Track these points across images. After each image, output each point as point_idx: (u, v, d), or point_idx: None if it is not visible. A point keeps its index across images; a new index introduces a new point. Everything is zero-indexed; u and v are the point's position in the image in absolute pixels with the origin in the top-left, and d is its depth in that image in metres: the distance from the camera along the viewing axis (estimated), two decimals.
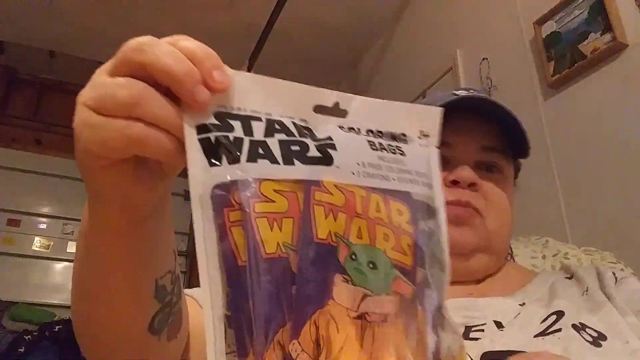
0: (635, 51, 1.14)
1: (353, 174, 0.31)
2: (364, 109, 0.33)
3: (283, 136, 0.30)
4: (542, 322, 0.48)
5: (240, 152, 0.28)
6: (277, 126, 0.30)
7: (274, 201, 0.28)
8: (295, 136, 0.30)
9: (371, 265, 0.29)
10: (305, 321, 0.27)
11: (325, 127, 0.32)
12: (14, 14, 2.37)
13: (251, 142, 0.28)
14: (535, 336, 0.46)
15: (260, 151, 0.28)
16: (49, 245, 2.78)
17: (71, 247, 2.80)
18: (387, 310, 0.29)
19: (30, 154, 2.84)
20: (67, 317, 2.40)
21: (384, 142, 0.33)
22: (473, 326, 0.49)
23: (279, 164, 0.29)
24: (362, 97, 0.33)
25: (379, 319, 0.28)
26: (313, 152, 0.30)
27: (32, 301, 2.55)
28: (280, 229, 0.27)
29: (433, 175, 0.35)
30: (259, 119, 0.29)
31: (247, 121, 0.29)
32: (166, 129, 0.28)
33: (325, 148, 0.30)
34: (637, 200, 1.08)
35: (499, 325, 0.49)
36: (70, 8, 2.30)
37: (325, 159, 0.30)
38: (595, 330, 0.46)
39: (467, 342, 0.46)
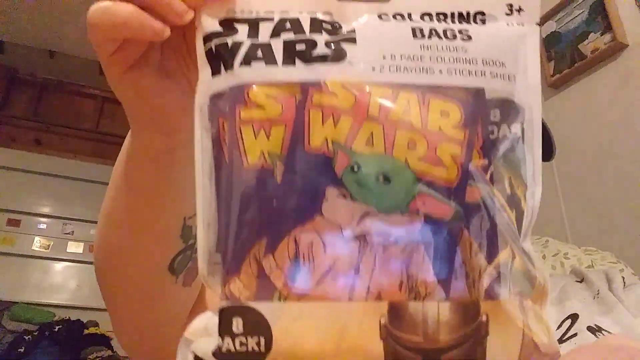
0: (635, 51, 1.14)
1: (373, 69, 0.26)
2: None
3: (290, 35, 0.26)
4: (557, 329, 0.48)
5: (235, 56, 0.26)
6: (288, 25, 0.27)
7: (263, 107, 0.25)
8: (304, 34, 0.26)
9: (381, 179, 0.25)
10: (283, 236, 0.24)
11: (359, 17, 0.27)
12: (14, 14, 2.38)
13: (252, 45, 0.26)
14: None
15: (259, 54, 0.26)
16: (49, 245, 2.78)
17: (71, 247, 2.79)
18: (400, 233, 0.24)
19: (30, 154, 2.83)
20: (67, 317, 2.41)
21: (441, 27, 0.27)
22: None
23: (277, 65, 0.26)
24: None
25: (384, 240, 0.24)
26: (321, 49, 0.26)
27: (32, 301, 2.54)
28: (268, 137, 0.25)
29: (522, 63, 0.27)
30: (270, 20, 0.27)
31: (255, 23, 0.27)
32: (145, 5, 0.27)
33: (339, 43, 0.26)
34: (637, 200, 1.08)
35: None
36: (70, 8, 2.31)
37: (335, 55, 0.26)
38: (611, 333, 0.45)
39: None
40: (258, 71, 0.25)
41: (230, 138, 0.25)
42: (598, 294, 0.53)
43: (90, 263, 2.66)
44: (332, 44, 0.26)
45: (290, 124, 0.25)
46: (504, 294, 0.24)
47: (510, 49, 0.27)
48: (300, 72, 0.25)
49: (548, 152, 0.62)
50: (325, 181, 0.25)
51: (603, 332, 0.45)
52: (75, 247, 2.79)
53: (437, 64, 0.26)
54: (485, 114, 0.26)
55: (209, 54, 0.27)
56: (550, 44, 1.34)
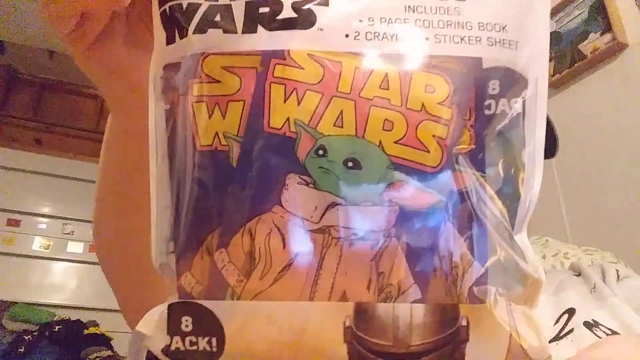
0: (635, 51, 1.14)
1: (347, 36, 0.22)
2: None
3: None
4: (555, 324, 0.47)
5: (191, 21, 0.23)
6: None
7: (218, 81, 0.22)
8: None
9: (350, 165, 0.21)
10: (237, 228, 0.22)
11: None
12: (14, 14, 2.37)
13: (209, 8, 0.23)
14: (549, 341, 0.45)
15: (217, 18, 0.23)
16: (49, 245, 2.78)
17: (71, 247, 2.79)
18: (371, 226, 0.21)
19: (30, 154, 2.83)
20: (67, 317, 2.41)
21: None
22: None
23: (235, 32, 0.22)
24: None
25: (352, 235, 0.21)
26: (287, 12, 0.23)
27: (32, 301, 2.54)
28: (224, 116, 0.22)
29: (529, 28, 0.23)
30: None
31: None
32: None
33: (309, 5, 0.23)
34: (637, 199, 1.08)
35: None
36: None
37: (303, 20, 0.22)
38: (608, 328, 0.45)
39: None
40: (214, 40, 0.22)
41: (182, 116, 0.23)
42: (594, 287, 0.53)
43: (91, 263, 2.67)
44: (300, 6, 0.23)
45: (249, 100, 0.22)
46: (490, 296, 0.22)
47: (514, 11, 0.23)
48: (261, 40, 0.22)
49: (551, 147, 0.62)
50: (286, 167, 0.22)
51: (600, 326, 0.45)
52: (75, 247, 2.79)
53: (424, 29, 0.22)
54: (482, 86, 0.22)
55: (163, 17, 0.24)
56: (550, 43, 1.34)
